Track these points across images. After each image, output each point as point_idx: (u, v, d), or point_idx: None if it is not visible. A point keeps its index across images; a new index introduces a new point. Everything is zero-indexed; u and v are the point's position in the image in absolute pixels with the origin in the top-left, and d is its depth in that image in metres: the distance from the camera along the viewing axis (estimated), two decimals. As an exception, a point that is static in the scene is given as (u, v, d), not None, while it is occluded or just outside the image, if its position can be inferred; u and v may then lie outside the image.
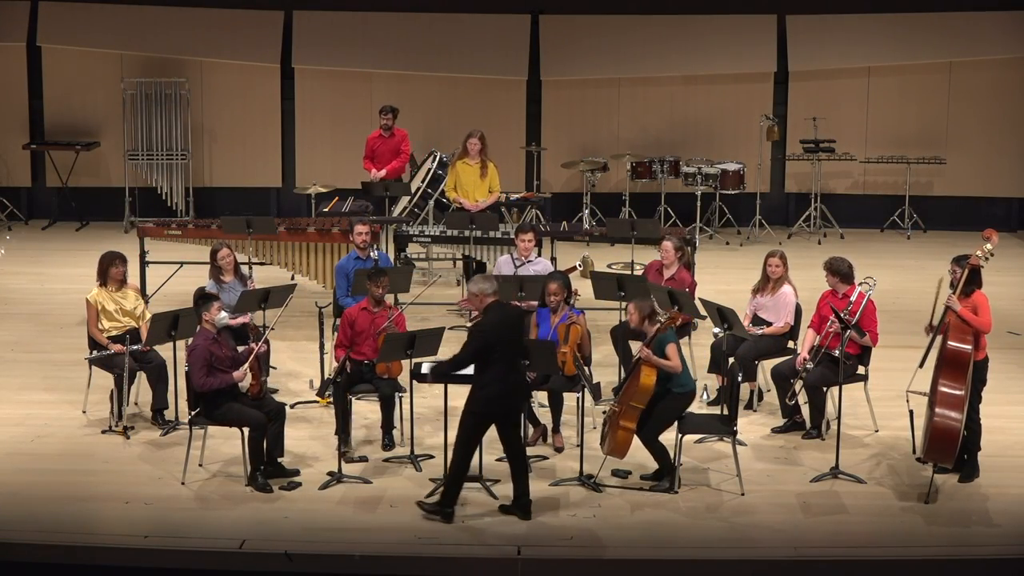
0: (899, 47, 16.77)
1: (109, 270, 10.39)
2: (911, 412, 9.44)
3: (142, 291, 12.05)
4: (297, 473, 9.45)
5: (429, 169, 14.00)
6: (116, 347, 10.20)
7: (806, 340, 10.22)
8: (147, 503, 9.10)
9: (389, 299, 10.68)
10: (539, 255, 11.70)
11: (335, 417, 9.83)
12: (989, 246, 9.35)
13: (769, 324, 10.54)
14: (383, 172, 14.41)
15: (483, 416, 8.78)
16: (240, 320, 10.52)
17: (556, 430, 10.09)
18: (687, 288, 10.93)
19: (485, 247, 12.87)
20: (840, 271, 10.15)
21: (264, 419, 9.30)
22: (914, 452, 9.57)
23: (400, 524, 8.84)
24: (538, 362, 9.54)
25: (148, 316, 10.49)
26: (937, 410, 8.90)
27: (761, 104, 16.85)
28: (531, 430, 10.07)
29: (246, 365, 9.38)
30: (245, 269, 11.19)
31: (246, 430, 9.33)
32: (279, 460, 9.48)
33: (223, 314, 9.47)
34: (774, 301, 10.59)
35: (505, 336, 8.70)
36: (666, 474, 9.26)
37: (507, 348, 8.71)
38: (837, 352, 9.66)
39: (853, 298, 9.97)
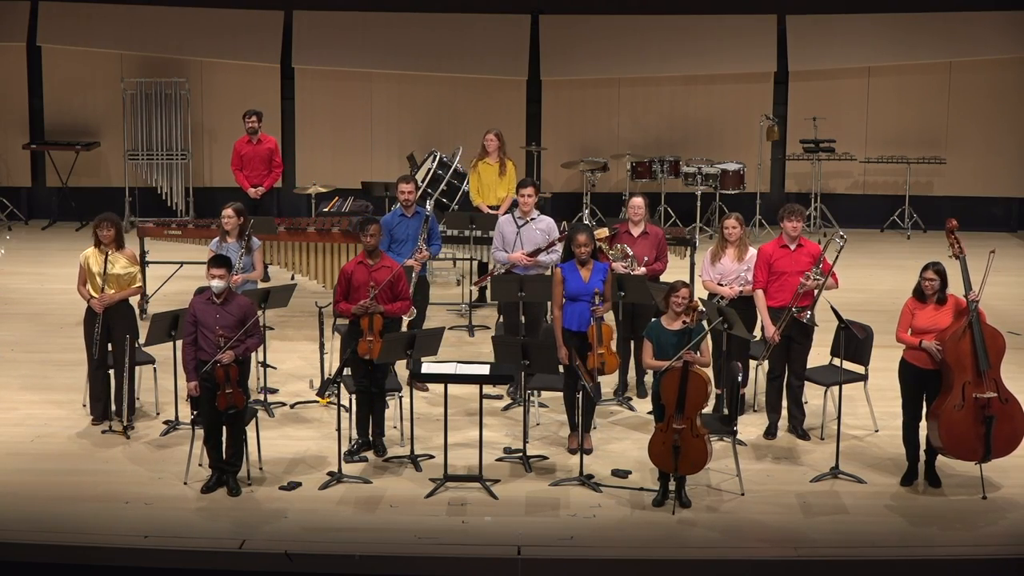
0: (899, 47, 16.78)
1: (97, 232, 10.26)
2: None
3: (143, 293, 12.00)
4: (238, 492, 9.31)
5: (429, 169, 14.00)
6: (93, 301, 10.17)
7: (761, 306, 10.10)
8: (147, 503, 9.11)
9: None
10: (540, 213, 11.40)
11: (356, 416, 9.90)
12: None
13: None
14: (262, 189, 14.34)
15: None
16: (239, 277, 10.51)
17: (587, 430, 9.96)
18: (659, 240, 10.97)
19: (485, 247, 12.88)
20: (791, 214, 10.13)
21: (213, 426, 9.25)
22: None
23: (400, 524, 8.84)
24: (538, 362, 9.54)
25: (138, 283, 10.44)
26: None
27: (761, 104, 16.85)
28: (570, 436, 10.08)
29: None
30: (256, 241, 11.12)
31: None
32: (233, 469, 9.34)
33: (215, 281, 9.34)
34: (748, 264, 10.38)
35: None
36: None
37: None
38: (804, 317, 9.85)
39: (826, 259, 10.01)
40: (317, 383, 10.68)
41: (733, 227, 10.48)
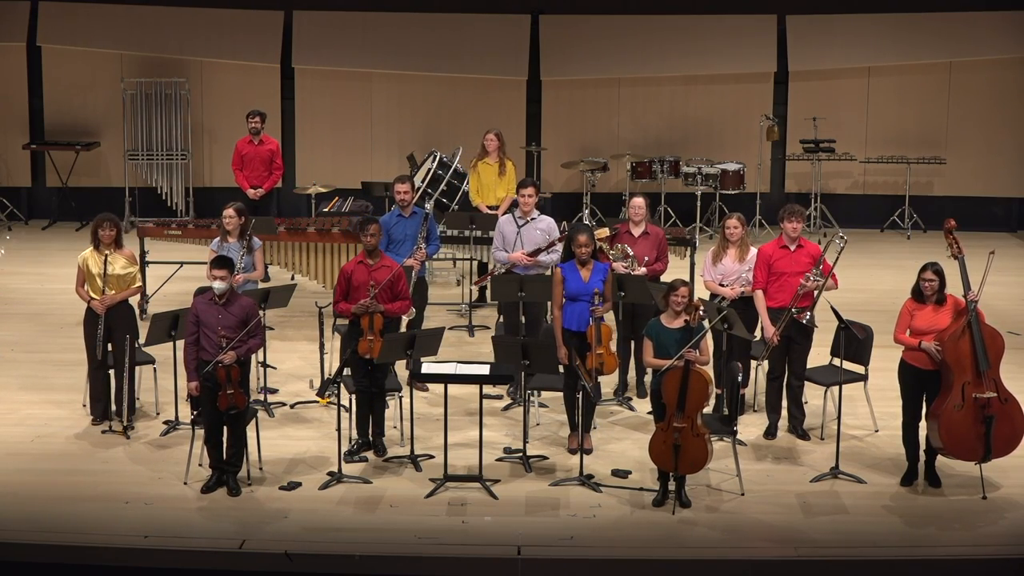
0: (899, 47, 16.78)
1: (98, 232, 10.23)
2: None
3: (143, 294, 11.99)
4: (238, 492, 9.31)
5: (429, 169, 13.99)
6: (94, 303, 10.17)
7: (761, 307, 10.09)
8: (147, 503, 9.11)
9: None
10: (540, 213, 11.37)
11: (356, 416, 9.90)
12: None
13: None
14: (261, 191, 14.33)
15: None
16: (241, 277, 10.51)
17: (587, 430, 9.96)
18: (660, 240, 10.97)
19: (485, 247, 12.88)
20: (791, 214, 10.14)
21: (214, 426, 9.24)
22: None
23: (400, 524, 8.84)
24: (538, 362, 9.53)
25: (138, 283, 10.46)
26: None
27: (761, 104, 16.85)
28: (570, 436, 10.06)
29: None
30: (257, 241, 11.11)
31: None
32: (233, 469, 9.33)
33: (217, 282, 9.33)
34: (750, 264, 10.34)
35: None
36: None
37: None
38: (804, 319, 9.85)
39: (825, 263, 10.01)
40: (317, 383, 10.67)
41: (735, 227, 10.47)
